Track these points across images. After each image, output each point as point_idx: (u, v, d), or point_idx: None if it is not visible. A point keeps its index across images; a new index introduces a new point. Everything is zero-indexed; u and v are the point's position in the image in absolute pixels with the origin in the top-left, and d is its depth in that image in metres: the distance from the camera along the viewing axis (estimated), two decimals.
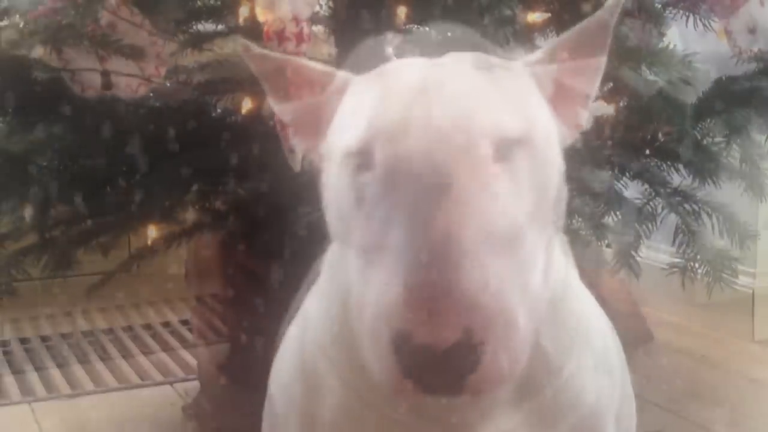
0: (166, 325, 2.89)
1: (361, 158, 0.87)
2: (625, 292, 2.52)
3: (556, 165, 0.92)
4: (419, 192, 0.81)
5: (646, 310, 2.61)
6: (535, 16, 1.64)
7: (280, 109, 1.03)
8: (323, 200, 0.94)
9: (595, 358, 1.04)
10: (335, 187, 0.91)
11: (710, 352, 2.61)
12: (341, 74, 0.98)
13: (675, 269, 1.83)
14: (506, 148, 0.86)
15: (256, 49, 1.02)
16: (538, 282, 0.85)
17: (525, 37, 1.62)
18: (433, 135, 0.84)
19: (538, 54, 0.98)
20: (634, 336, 2.29)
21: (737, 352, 2.63)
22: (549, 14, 1.64)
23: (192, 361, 2.50)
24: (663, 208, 1.85)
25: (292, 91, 1.01)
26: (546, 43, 1.02)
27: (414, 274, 0.77)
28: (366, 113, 0.89)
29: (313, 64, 1.02)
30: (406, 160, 0.83)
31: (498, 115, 0.87)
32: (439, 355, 0.75)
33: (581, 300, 1.06)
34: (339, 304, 0.99)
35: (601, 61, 0.99)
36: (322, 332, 1.04)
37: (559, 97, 0.97)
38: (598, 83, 1.01)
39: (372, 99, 0.90)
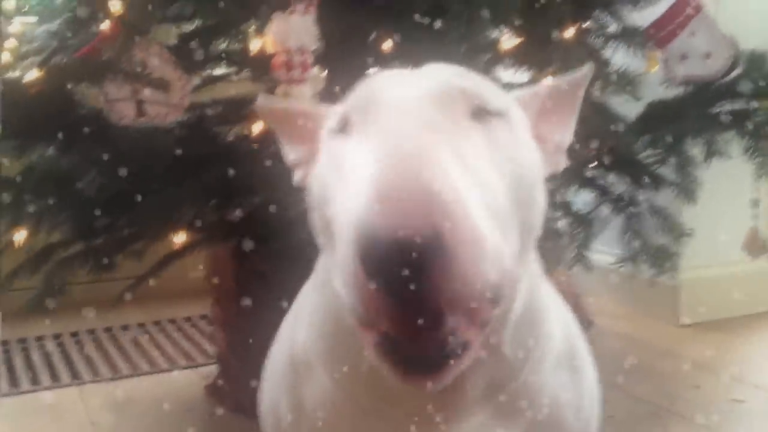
0: (188, 319, 2.90)
1: (340, 126, 0.81)
2: (568, 285, 2.51)
3: (534, 155, 0.84)
4: (394, 127, 0.72)
5: (586, 301, 2.60)
6: (509, 42, 1.62)
7: (287, 150, 1.00)
8: (309, 205, 0.86)
9: (556, 359, 0.95)
10: (319, 170, 0.84)
11: (642, 335, 2.60)
12: (331, 108, 0.91)
13: (622, 264, 1.82)
14: (483, 113, 0.78)
15: (265, 103, 1.01)
16: (511, 254, 0.73)
17: (501, 63, 1.61)
18: (407, 91, 0.77)
19: (519, 93, 0.92)
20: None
21: (665, 334, 2.62)
22: (521, 39, 1.63)
23: (210, 348, 2.48)
24: (611, 211, 1.84)
25: (298, 136, 0.97)
26: (525, 89, 0.95)
27: (380, 182, 0.66)
28: (343, 101, 0.84)
29: (311, 108, 0.97)
30: (380, 105, 0.76)
31: (475, 86, 0.80)
32: (401, 243, 0.62)
33: (546, 306, 0.95)
34: (326, 300, 0.92)
35: (573, 119, 0.94)
36: (312, 325, 0.96)
37: (538, 134, 0.90)
38: (570, 134, 0.94)
39: (350, 94, 0.84)
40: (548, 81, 0.94)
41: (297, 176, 0.99)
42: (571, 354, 0.98)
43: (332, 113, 0.86)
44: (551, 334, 0.94)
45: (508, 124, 0.80)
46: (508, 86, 1.63)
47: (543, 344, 0.92)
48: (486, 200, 0.70)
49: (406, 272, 0.63)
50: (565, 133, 0.94)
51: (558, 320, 0.97)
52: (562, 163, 0.93)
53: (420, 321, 0.66)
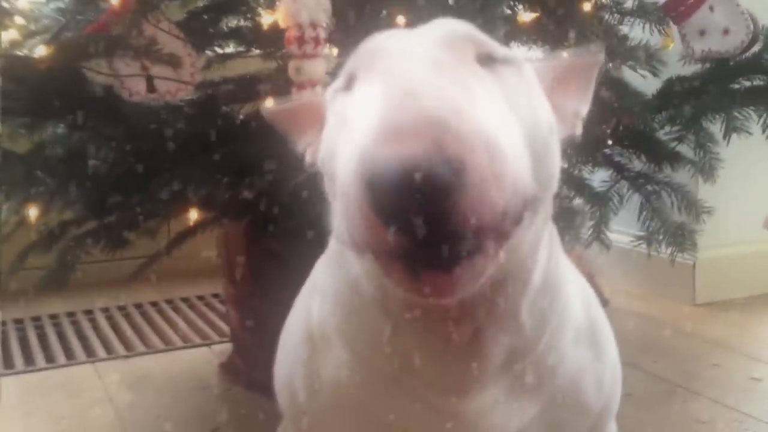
0: (201, 298, 2.89)
1: (345, 84, 0.77)
2: (582, 264, 2.49)
3: (547, 107, 0.80)
4: (400, 68, 0.67)
5: (601, 280, 2.58)
6: (525, 16, 1.59)
7: (298, 142, 0.96)
8: (320, 171, 0.81)
9: (575, 332, 0.92)
10: (326, 134, 0.80)
11: (659, 315, 2.58)
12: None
13: (640, 243, 1.79)
14: (491, 60, 0.74)
15: (270, 110, 0.99)
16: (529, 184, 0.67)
17: (518, 37, 1.58)
18: (412, 39, 0.74)
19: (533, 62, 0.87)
20: None
21: (681, 313, 2.60)
22: (536, 14, 1.60)
23: (224, 327, 2.48)
24: (628, 190, 1.81)
25: (306, 126, 0.94)
26: (539, 59, 0.91)
27: (384, 107, 0.62)
28: (347, 63, 0.79)
29: (319, 98, 0.92)
30: (385, 54, 0.72)
31: (481, 36, 0.77)
32: (408, 169, 0.57)
33: (566, 279, 0.91)
34: (342, 273, 0.89)
35: (589, 90, 0.90)
36: (328, 298, 0.93)
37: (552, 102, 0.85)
38: (587, 104, 0.90)
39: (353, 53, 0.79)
40: (560, 56, 0.91)
41: (308, 155, 0.96)
42: (591, 329, 0.95)
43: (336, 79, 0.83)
44: (570, 306, 0.92)
45: (518, 72, 0.77)
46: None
47: (562, 316, 0.89)
48: (501, 124, 0.66)
49: (417, 207, 0.58)
50: (582, 102, 0.90)
51: (578, 294, 0.95)
52: (578, 127, 0.90)
53: (434, 247, 0.61)
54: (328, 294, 0.94)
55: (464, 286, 0.65)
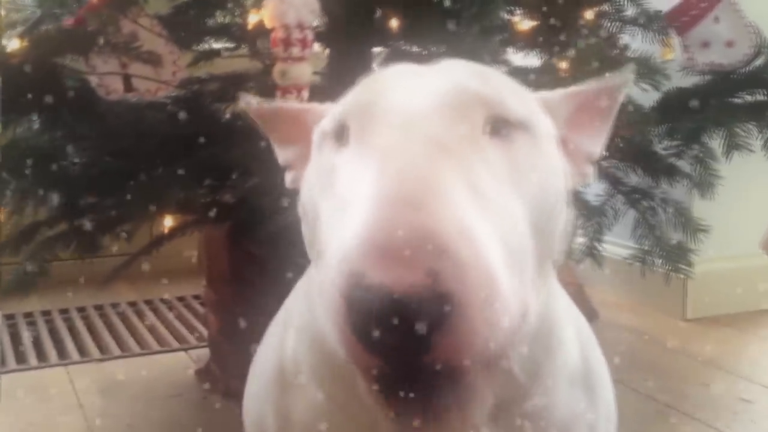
0: (181, 299, 2.82)
1: (335, 131, 0.70)
2: (572, 275, 2.44)
3: (559, 171, 0.74)
4: (396, 145, 0.62)
5: (590, 292, 2.52)
6: (524, 24, 1.53)
7: (278, 152, 0.90)
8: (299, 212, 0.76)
9: (569, 376, 0.85)
10: (309, 181, 0.74)
11: (648, 329, 2.53)
12: (326, 106, 0.81)
13: (635, 260, 1.73)
14: (502, 125, 0.68)
15: (254, 104, 0.91)
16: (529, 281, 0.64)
17: (515, 44, 1.52)
18: (415, 97, 0.67)
19: (547, 94, 0.81)
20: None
21: (671, 328, 2.55)
22: (536, 22, 1.54)
23: (203, 330, 2.42)
24: (623, 204, 1.75)
25: (288, 136, 0.88)
26: (555, 92, 0.83)
27: (376, 213, 0.55)
28: (341, 102, 0.73)
29: (304, 106, 0.87)
30: (382, 114, 0.65)
31: (495, 91, 0.69)
32: (396, 300, 0.52)
33: (561, 320, 0.84)
34: (317, 310, 0.84)
35: (606, 128, 0.83)
36: (303, 337, 0.86)
37: (565, 142, 0.79)
38: (602, 145, 0.83)
39: (350, 93, 0.73)
40: (583, 85, 0.83)
41: (288, 178, 0.90)
42: (586, 371, 0.88)
43: (328, 113, 0.76)
44: (566, 350, 0.85)
45: (531, 136, 0.70)
46: (522, 71, 1.55)
47: (556, 361, 0.82)
48: (503, 235, 0.60)
49: (396, 338, 0.53)
50: (597, 144, 0.82)
51: (573, 334, 0.88)
52: (590, 175, 0.83)
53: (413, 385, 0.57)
54: (303, 333, 0.87)
55: (445, 413, 0.61)
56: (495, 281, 0.56)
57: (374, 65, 1.64)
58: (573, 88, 0.83)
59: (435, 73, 0.72)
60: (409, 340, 0.53)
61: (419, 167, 0.59)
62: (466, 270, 0.54)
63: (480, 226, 0.58)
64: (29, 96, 1.40)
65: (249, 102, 0.91)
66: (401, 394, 0.59)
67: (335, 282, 0.55)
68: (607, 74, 0.81)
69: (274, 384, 0.91)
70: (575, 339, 0.88)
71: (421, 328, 0.53)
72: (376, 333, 0.54)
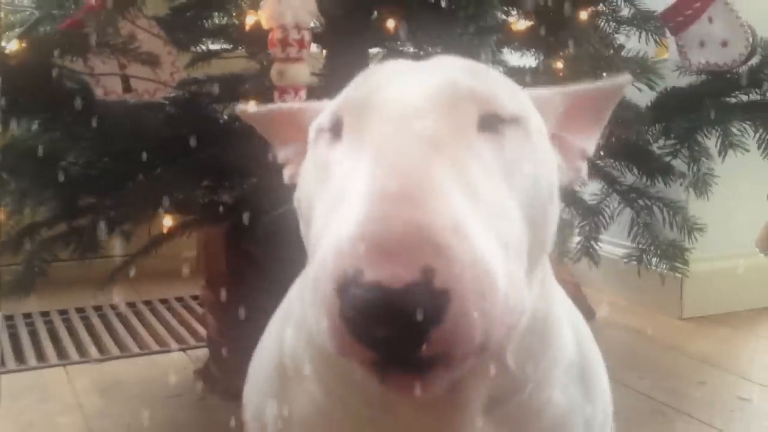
0: (180, 299, 2.82)
1: (331, 126, 0.71)
2: (568, 274, 2.44)
3: (551, 165, 0.74)
4: (389, 140, 0.62)
5: (587, 291, 2.53)
6: (519, 24, 1.53)
7: (277, 151, 0.91)
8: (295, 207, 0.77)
9: (565, 370, 0.85)
10: (305, 176, 0.75)
11: (645, 328, 2.53)
12: (323, 103, 0.81)
13: (631, 260, 1.73)
14: (495, 120, 0.68)
15: (251, 110, 0.92)
16: (522, 278, 0.64)
17: (511, 45, 1.53)
18: (409, 93, 0.67)
19: (542, 91, 0.81)
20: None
21: (668, 327, 2.55)
22: (531, 22, 1.54)
23: (202, 330, 2.42)
24: (619, 203, 1.75)
25: (286, 136, 0.88)
26: (550, 89, 0.84)
27: (370, 209, 0.56)
28: (337, 98, 0.74)
29: (299, 105, 0.88)
30: (376, 110, 0.66)
31: (487, 87, 0.70)
32: (391, 298, 0.52)
33: (557, 314, 0.84)
34: None
35: (600, 128, 0.83)
36: (303, 331, 0.86)
37: (559, 138, 0.80)
38: (595, 143, 0.84)
39: (346, 89, 0.74)
40: (581, 85, 0.83)
41: (286, 174, 0.90)
42: (582, 366, 0.89)
43: (324, 109, 0.76)
44: (562, 344, 0.85)
45: (523, 131, 0.70)
46: (519, 71, 1.55)
47: (552, 355, 0.83)
48: (496, 230, 0.61)
49: (389, 332, 0.54)
50: (590, 142, 0.83)
51: (569, 328, 0.88)
52: (583, 170, 0.83)
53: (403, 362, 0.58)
54: (302, 327, 0.87)
55: (436, 386, 0.61)
56: (489, 276, 0.57)
57: (371, 66, 1.64)
58: (569, 87, 0.83)
59: (428, 69, 0.73)
60: (405, 334, 0.54)
61: (412, 163, 0.60)
62: (461, 266, 0.55)
63: (474, 222, 0.58)
64: (28, 97, 1.40)
65: (244, 110, 0.93)
66: (393, 375, 0.60)
67: (329, 278, 0.56)
68: (604, 76, 0.81)
69: (274, 378, 0.91)
70: (571, 333, 0.88)
71: (416, 323, 0.53)
72: (371, 328, 0.54)
